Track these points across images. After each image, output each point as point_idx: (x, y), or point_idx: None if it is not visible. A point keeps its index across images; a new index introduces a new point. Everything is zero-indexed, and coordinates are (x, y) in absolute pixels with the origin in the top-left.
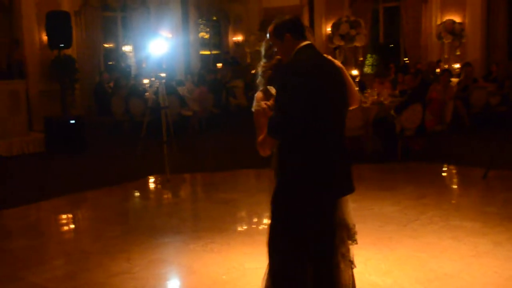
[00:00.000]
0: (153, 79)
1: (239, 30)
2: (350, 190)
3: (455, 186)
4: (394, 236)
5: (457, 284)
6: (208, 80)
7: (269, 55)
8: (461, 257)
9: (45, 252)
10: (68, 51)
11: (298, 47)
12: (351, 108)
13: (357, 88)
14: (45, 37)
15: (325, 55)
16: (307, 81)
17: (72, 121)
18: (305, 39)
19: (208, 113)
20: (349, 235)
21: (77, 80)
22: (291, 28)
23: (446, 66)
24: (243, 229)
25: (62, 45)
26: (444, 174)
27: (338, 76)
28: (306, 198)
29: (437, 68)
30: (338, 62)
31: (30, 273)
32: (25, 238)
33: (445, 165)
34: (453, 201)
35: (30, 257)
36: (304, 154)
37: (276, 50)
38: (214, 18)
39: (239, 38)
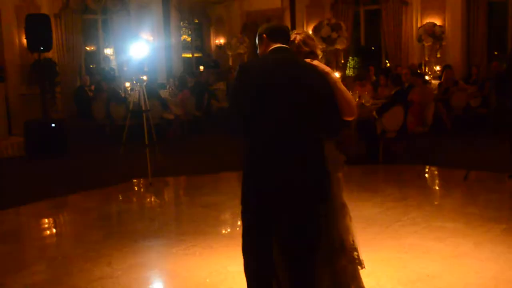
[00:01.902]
0: (134, 82)
1: (221, 33)
2: (312, 198)
3: (436, 188)
4: (376, 238)
5: (439, 284)
6: (190, 83)
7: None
8: (443, 258)
9: (25, 258)
10: (48, 54)
11: (270, 48)
12: (347, 119)
13: (357, 100)
14: (24, 40)
15: (308, 60)
16: (253, 81)
17: (53, 125)
18: (281, 43)
19: (190, 116)
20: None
21: (58, 83)
22: (268, 30)
23: (427, 69)
24: (226, 232)
25: (42, 48)
26: (426, 175)
27: (304, 81)
28: (249, 196)
29: (418, 70)
30: (323, 69)
31: (10, 279)
32: (5, 243)
33: (427, 167)
34: (435, 203)
35: (9, 263)
36: (249, 153)
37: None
38: (196, 20)
39: (221, 40)
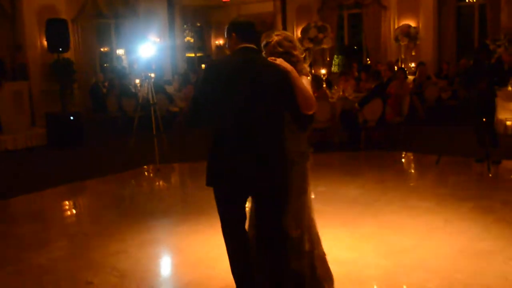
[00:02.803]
0: (143, 78)
1: (220, 34)
2: (262, 190)
3: (412, 171)
4: (358, 216)
5: (414, 256)
6: (193, 78)
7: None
8: (417, 233)
9: (48, 235)
10: (67, 55)
11: (237, 47)
12: (307, 113)
13: (315, 94)
14: (45, 42)
15: (271, 58)
16: (215, 77)
17: (71, 117)
18: (249, 42)
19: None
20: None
21: (75, 81)
22: (238, 28)
23: (403, 65)
24: None
25: (61, 49)
26: (402, 160)
27: (265, 79)
28: (209, 183)
29: (396, 66)
30: (285, 68)
31: (36, 254)
32: (31, 222)
33: (403, 153)
34: (410, 184)
35: (35, 239)
36: (211, 144)
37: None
38: (198, 24)
39: (220, 41)
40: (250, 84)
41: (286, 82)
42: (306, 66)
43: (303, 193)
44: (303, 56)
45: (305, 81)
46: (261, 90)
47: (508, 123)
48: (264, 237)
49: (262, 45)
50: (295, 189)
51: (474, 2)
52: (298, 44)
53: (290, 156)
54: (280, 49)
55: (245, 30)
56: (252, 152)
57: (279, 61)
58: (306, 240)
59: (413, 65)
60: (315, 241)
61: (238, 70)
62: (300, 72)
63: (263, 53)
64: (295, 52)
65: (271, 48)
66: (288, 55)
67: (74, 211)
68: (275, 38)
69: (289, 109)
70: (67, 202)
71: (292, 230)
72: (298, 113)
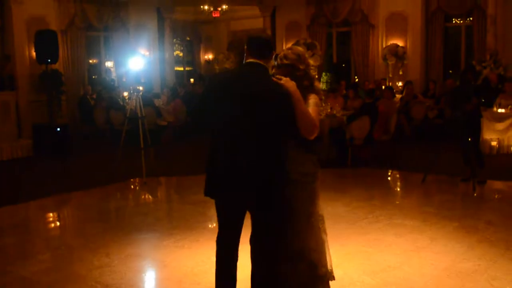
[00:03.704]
0: (131, 91)
1: (210, 49)
2: (259, 205)
3: (398, 189)
4: (344, 233)
5: (399, 275)
6: (181, 92)
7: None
8: (403, 251)
9: (32, 248)
10: (55, 66)
11: (246, 61)
12: (308, 137)
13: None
14: (34, 53)
15: (276, 77)
16: (215, 91)
17: (58, 129)
18: (258, 58)
19: (181, 122)
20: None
21: (63, 92)
22: (249, 43)
23: (390, 84)
24: (211, 227)
25: (50, 60)
26: (388, 178)
27: (263, 97)
28: (205, 193)
29: (383, 85)
30: (287, 89)
31: (19, 267)
32: (14, 234)
33: (390, 171)
34: (396, 202)
35: (18, 251)
36: (210, 152)
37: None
38: (188, 38)
39: (209, 56)
40: (247, 100)
41: (285, 103)
42: (318, 84)
43: (311, 215)
44: (315, 74)
45: (312, 101)
46: (257, 107)
47: (493, 143)
48: (257, 255)
49: (273, 58)
50: (300, 211)
51: (461, 23)
52: (307, 60)
53: (294, 176)
54: (286, 61)
55: (255, 46)
56: (242, 169)
57: (284, 80)
58: (321, 263)
59: (400, 84)
60: (319, 262)
61: (237, 84)
62: (308, 89)
63: (272, 66)
64: (301, 66)
65: (278, 60)
66: (293, 68)
67: (58, 223)
68: (283, 52)
69: (288, 131)
70: (51, 214)
71: (308, 254)
72: (299, 135)
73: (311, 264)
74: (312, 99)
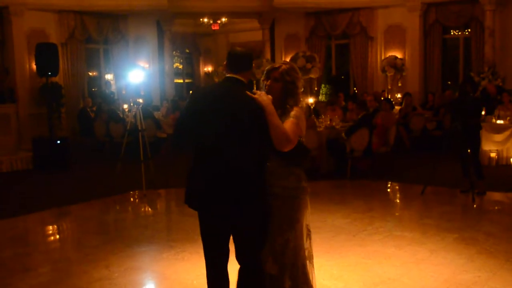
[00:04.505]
0: (131, 104)
1: (209, 61)
2: (235, 214)
3: (397, 201)
4: (344, 245)
5: (399, 286)
6: (181, 105)
7: (266, 76)
8: (403, 263)
9: (31, 260)
10: (55, 79)
11: (225, 76)
12: (281, 150)
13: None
14: (34, 66)
15: (253, 92)
16: (195, 105)
17: (58, 142)
18: (233, 73)
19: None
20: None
21: (63, 105)
22: (228, 58)
23: (389, 96)
24: None
25: (50, 73)
26: (388, 190)
27: (238, 112)
28: (185, 201)
29: (382, 97)
30: (260, 102)
31: (18, 280)
32: (13, 247)
33: (389, 182)
34: (396, 214)
35: (17, 264)
36: (192, 166)
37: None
38: (187, 50)
39: (209, 68)
40: (223, 115)
41: (257, 117)
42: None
43: (288, 230)
44: (301, 88)
45: (293, 113)
46: (232, 122)
47: (492, 154)
48: (240, 269)
49: (266, 70)
50: (277, 225)
51: (459, 34)
52: (300, 75)
53: (275, 190)
54: (288, 78)
55: (232, 61)
56: (220, 182)
57: (258, 94)
58: (287, 277)
59: (399, 95)
60: (300, 280)
61: (215, 100)
62: (296, 104)
63: (262, 78)
64: (299, 84)
65: (278, 75)
66: (293, 86)
67: (58, 236)
68: (283, 67)
69: (264, 144)
70: (51, 227)
71: (269, 266)
72: (266, 146)
73: (272, 277)
74: (294, 111)
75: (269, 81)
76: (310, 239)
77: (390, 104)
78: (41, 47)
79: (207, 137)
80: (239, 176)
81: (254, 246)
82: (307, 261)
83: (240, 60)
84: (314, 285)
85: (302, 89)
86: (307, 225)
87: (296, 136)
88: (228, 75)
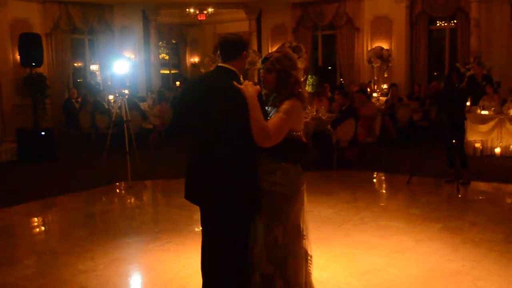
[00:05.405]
0: (117, 95)
1: (195, 52)
2: (223, 206)
3: (383, 191)
4: (330, 235)
5: (384, 276)
6: (168, 96)
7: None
8: (388, 253)
9: (16, 253)
10: (40, 69)
11: (216, 65)
12: (261, 145)
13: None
14: (18, 57)
15: (239, 81)
16: (186, 96)
17: (43, 133)
18: (225, 61)
19: (167, 126)
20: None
21: (48, 96)
22: (220, 46)
23: (375, 87)
24: (198, 230)
25: (34, 63)
26: (374, 180)
27: (222, 104)
28: (187, 196)
29: (368, 87)
30: (245, 94)
31: (3, 272)
32: None
33: (375, 173)
34: (381, 204)
35: (2, 257)
36: (188, 159)
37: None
38: (173, 41)
39: (195, 59)
40: (211, 108)
41: (239, 108)
42: (305, 92)
43: (276, 227)
44: (303, 78)
45: (283, 107)
46: (220, 115)
47: (477, 145)
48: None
49: (260, 60)
50: (266, 221)
51: (445, 25)
52: (297, 64)
53: (262, 184)
54: (278, 67)
55: (223, 49)
56: (208, 174)
57: (244, 84)
58: (278, 276)
59: (385, 86)
60: (291, 279)
61: (203, 91)
62: (296, 95)
63: (261, 69)
64: (294, 72)
65: (268, 65)
66: (286, 75)
67: (43, 228)
68: (275, 55)
69: (246, 137)
70: (36, 219)
71: (262, 265)
72: (251, 137)
73: (264, 277)
74: (285, 105)
75: (260, 71)
76: (306, 238)
77: (365, 95)
78: (24, 37)
79: (198, 130)
80: (228, 170)
81: (233, 237)
82: (303, 261)
83: (230, 47)
84: (311, 285)
85: (303, 78)
86: (302, 223)
87: (280, 132)
88: (219, 64)
